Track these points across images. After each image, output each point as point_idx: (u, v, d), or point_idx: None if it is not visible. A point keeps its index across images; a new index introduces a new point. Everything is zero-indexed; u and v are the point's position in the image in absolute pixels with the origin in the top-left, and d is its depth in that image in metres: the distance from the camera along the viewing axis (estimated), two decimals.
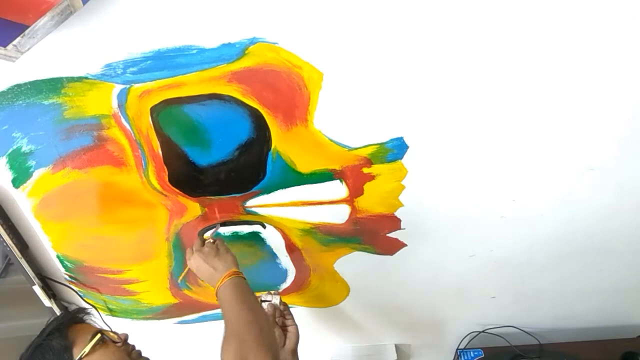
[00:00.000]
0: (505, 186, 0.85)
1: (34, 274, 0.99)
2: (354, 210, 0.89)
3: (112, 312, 1.13)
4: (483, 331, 1.15)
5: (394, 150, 0.79)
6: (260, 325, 0.69)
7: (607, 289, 1.05)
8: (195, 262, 0.81)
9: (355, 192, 0.86)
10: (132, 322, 1.16)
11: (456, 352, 1.18)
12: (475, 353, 1.14)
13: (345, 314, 1.13)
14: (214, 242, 0.84)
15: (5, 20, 0.55)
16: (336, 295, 1.10)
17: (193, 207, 0.90)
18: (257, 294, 0.88)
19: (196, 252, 0.82)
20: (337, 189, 0.86)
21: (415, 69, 0.69)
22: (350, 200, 0.87)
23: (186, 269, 0.87)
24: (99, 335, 0.70)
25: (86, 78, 0.71)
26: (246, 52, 0.68)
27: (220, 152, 0.80)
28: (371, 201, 0.87)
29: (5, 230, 0.90)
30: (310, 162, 0.82)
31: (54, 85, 0.72)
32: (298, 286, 1.07)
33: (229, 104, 0.74)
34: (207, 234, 0.92)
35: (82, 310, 0.79)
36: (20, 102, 0.74)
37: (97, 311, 1.11)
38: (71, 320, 0.74)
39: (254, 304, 0.74)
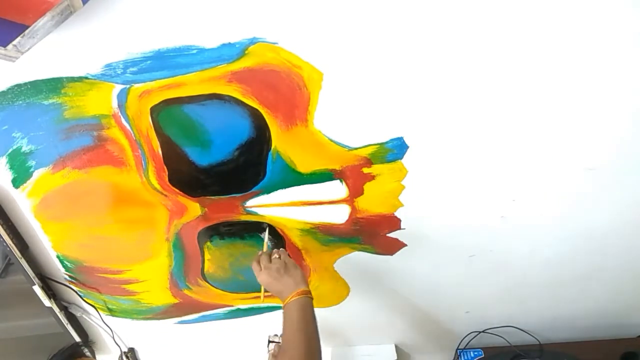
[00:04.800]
0: (505, 186, 0.85)
1: (34, 274, 0.99)
2: (354, 210, 0.89)
3: (112, 312, 1.13)
4: (483, 331, 1.15)
5: (394, 150, 0.79)
6: (312, 350, 0.73)
7: (607, 288, 1.06)
8: (265, 278, 0.82)
9: (355, 192, 0.86)
10: (132, 322, 1.16)
11: (456, 352, 1.18)
12: (475, 353, 1.14)
13: (345, 314, 1.13)
14: (279, 257, 0.85)
15: (5, 20, 0.55)
16: (336, 295, 1.10)
17: (193, 207, 0.90)
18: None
19: (265, 269, 0.82)
20: (337, 189, 0.86)
21: (415, 69, 0.69)
22: (350, 200, 0.87)
23: (262, 288, 0.87)
24: None
25: (86, 78, 0.71)
26: (246, 52, 0.68)
27: (220, 152, 0.80)
28: (371, 201, 0.87)
29: (5, 230, 0.90)
30: (310, 162, 0.82)
31: (54, 85, 0.72)
32: None
33: (229, 104, 0.74)
34: (265, 240, 0.93)
35: (82, 344, 0.81)
36: (20, 102, 0.74)
37: (97, 311, 1.11)
38: (71, 355, 0.77)
39: (312, 328, 0.77)
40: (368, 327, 1.19)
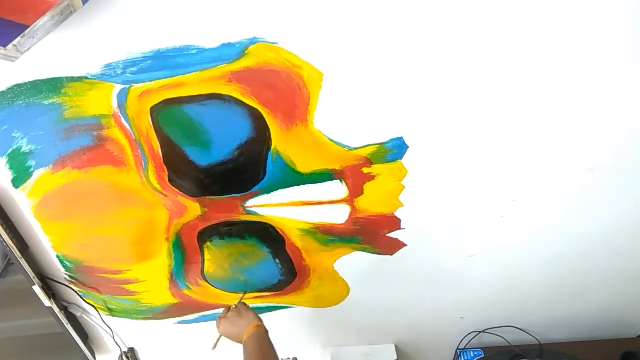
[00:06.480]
0: (505, 186, 0.85)
1: (34, 274, 0.99)
2: (354, 210, 0.89)
3: (112, 312, 1.13)
4: (483, 331, 1.15)
5: (394, 150, 0.79)
6: None
7: (606, 288, 1.05)
8: (223, 328, 0.90)
9: (355, 192, 0.86)
10: (132, 322, 1.16)
11: (456, 352, 1.18)
12: (475, 353, 1.14)
13: (345, 314, 1.13)
14: (236, 307, 0.92)
15: (5, 20, 0.55)
16: (336, 295, 1.10)
17: (193, 207, 0.90)
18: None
19: (222, 319, 0.91)
20: (337, 189, 0.86)
21: (415, 69, 0.69)
22: (350, 200, 0.87)
23: (219, 337, 0.94)
24: None
25: (86, 78, 0.71)
26: (246, 52, 0.68)
27: (220, 152, 0.80)
28: (371, 201, 0.87)
29: (5, 230, 0.90)
30: (310, 162, 0.82)
31: (54, 85, 0.72)
32: (298, 286, 1.07)
33: (229, 104, 0.74)
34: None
35: None
36: (20, 102, 0.74)
37: (97, 311, 1.11)
38: None
39: (271, 356, 0.81)
40: (368, 327, 1.19)
